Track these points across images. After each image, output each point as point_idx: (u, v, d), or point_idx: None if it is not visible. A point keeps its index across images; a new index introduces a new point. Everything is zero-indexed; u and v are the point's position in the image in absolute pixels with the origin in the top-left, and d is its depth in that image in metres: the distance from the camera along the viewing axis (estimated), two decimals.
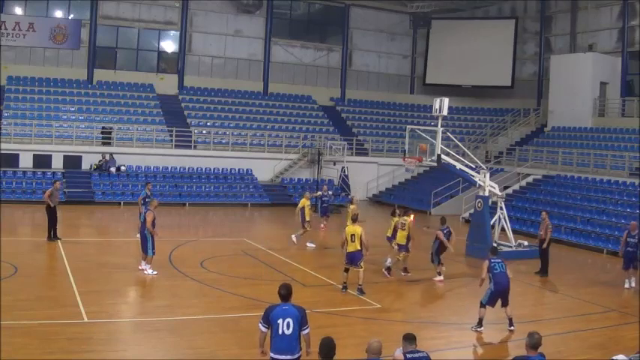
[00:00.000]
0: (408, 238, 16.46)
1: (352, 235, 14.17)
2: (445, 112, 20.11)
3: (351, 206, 19.58)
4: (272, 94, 38.07)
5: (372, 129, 38.16)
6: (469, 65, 38.33)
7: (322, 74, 39.77)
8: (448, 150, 21.41)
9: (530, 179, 29.81)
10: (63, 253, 17.23)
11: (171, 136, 32.07)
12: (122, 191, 28.71)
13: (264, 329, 7.62)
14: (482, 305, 12.10)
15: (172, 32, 36.56)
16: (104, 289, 13.78)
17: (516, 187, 29.87)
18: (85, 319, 11.60)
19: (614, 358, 9.31)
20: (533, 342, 7.19)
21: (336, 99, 39.84)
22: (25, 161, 28.63)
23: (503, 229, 21.07)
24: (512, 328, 12.07)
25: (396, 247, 17.34)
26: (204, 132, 33.52)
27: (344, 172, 33.08)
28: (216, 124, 34.37)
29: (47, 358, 9.55)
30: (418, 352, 7.12)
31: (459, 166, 21.28)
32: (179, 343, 10.72)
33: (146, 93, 34.93)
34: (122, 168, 30.05)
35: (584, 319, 13.56)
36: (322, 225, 24.16)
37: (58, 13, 34.34)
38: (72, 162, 29.44)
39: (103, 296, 13.20)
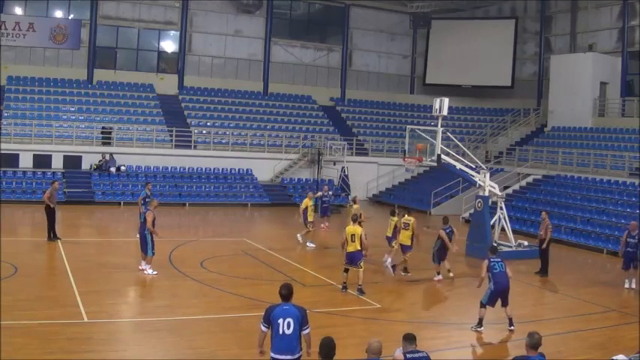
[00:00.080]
0: (412, 238, 16.45)
1: (352, 235, 14.18)
2: (445, 112, 20.11)
3: (354, 206, 19.58)
4: (272, 94, 38.08)
5: (372, 129, 38.16)
6: (469, 65, 38.34)
7: (322, 74, 39.78)
8: (448, 150, 21.41)
9: (530, 179, 29.82)
10: (63, 253, 17.23)
11: (171, 136, 32.07)
12: (122, 191, 28.71)
13: (264, 329, 7.63)
14: (483, 305, 12.10)
15: (172, 32, 36.57)
16: (104, 289, 13.78)
17: (516, 187, 29.87)
18: (85, 319, 11.60)
19: (614, 358, 9.30)
20: (533, 342, 7.19)
21: (336, 99, 39.84)
22: (25, 161, 28.63)
23: (503, 229, 21.07)
24: (512, 328, 12.08)
25: (395, 246, 17.37)
26: (204, 132, 33.53)
27: (344, 172, 33.10)
28: (216, 124, 34.37)
29: (47, 358, 9.55)
30: (418, 352, 7.12)
31: (459, 166, 21.28)
32: (179, 343, 10.72)
33: (146, 93, 34.93)
34: (122, 168, 30.05)
35: (584, 319, 13.56)
36: (323, 225, 24.12)
37: (58, 13, 34.35)
38: (72, 162, 29.44)
39: (103, 296, 13.19)
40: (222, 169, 32.12)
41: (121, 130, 31.50)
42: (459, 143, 23.17)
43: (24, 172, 28.12)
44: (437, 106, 20.19)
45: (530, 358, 7.14)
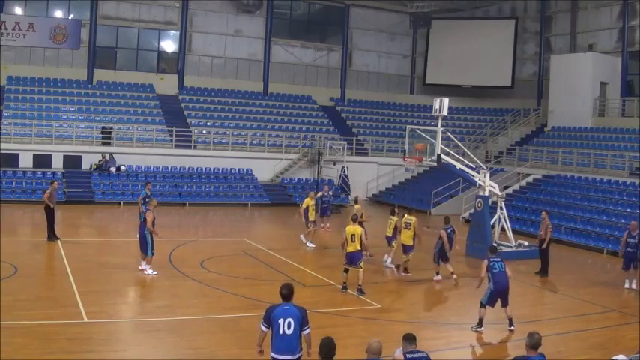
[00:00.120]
0: (414, 238, 16.44)
1: (352, 235, 14.17)
2: (445, 112, 20.11)
3: (356, 206, 19.54)
4: (272, 94, 38.08)
5: (372, 129, 38.16)
6: (469, 65, 38.33)
7: (322, 74, 39.78)
8: (448, 150, 21.41)
9: (530, 179, 29.81)
10: (63, 253, 17.23)
11: (171, 136, 32.07)
12: (122, 191, 28.71)
13: (264, 329, 7.64)
14: (482, 305, 12.10)
15: (172, 32, 36.57)
16: (104, 289, 13.78)
17: (516, 187, 29.87)
18: (85, 319, 11.61)
19: (614, 358, 9.30)
20: (533, 342, 7.19)
21: (336, 99, 39.84)
22: (25, 161, 28.63)
23: (503, 229, 21.07)
24: (512, 328, 12.08)
25: (395, 246, 17.38)
26: (204, 132, 33.52)
27: (344, 172, 33.10)
28: (216, 124, 34.37)
29: (47, 358, 9.55)
30: (418, 352, 7.12)
31: (459, 166, 21.28)
32: (179, 343, 10.72)
33: (146, 93, 34.93)
34: (122, 168, 30.05)
35: (584, 319, 13.56)
36: (323, 226, 24.07)
37: (58, 13, 34.35)
38: (72, 162, 29.44)
39: (103, 296, 13.20)
40: (222, 169, 32.12)
41: (121, 130, 31.49)
42: (459, 143, 23.17)
43: (24, 172, 28.12)
44: (437, 106, 20.19)
45: (530, 358, 7.14)
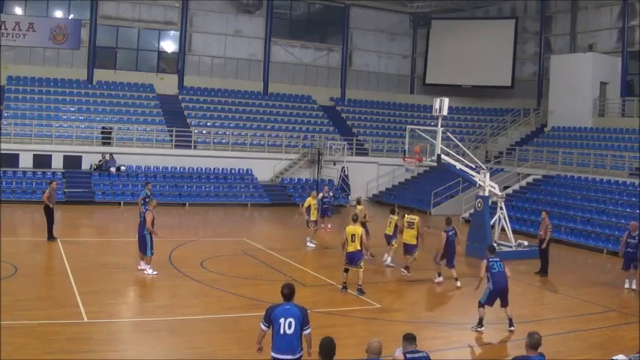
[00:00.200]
0: (418, 237, 16.40)
1: (352, 235, 14.17)
2: (445, 112, 20.09)
3: (358, 207, 19.49)
4: (272, 94, 38.08)
5: (372, 129, 38.16)
6: (469, 65, 38.34)
7: (322, 74, 39.78)
8: (448, 150, 21.41)
9: (530, 179, 29.81)
10: (63, 253, 17.23)
11: (171, 136, 32.07)
12: (122, 191, 28.71)
13: (264, 328, 7.65)
14: (481, 305, 12.10)
15: (172, 32, 36.57)
16: (104, 289, 13.78)
17: (516, 187, 29.87)
18: (85, 319, 11.60)
19: (614, 358, 9.30)
20: (533, 342, 7.19)
21: (336, 99, 39.84)
22: (25, 161, 28.63)
23: (503, 229, 21.07)
24: (512, 328, 12.07)
25: (395, 245, 17.37)
26: (204, 132, 33.53)
27: (344, 172, 33.10)
28: (216, 124, 34.37)
29: (47, 358, 9.55)
30: (418, 352, 7.12)
31: (459, 166, 21.28)
32: (179, 343, 10.72)
33: (146, 93, 34.93)
34: (122, 168, 30.05)
35: (584, 319, 13.56)
36: (324, 226, 24.03)
37: (58, 13, 34.35)
38: (72, 162, 29.44)
39: (103, 296, 13.20)
40: (222, 169, 32.12)
41: (121, 130, 31.49)
42: (459, 143, 23.17)
43: (24, 172, 28.12)
44: (437, 106, 20.18)
45: (530, 358, 7.14)
